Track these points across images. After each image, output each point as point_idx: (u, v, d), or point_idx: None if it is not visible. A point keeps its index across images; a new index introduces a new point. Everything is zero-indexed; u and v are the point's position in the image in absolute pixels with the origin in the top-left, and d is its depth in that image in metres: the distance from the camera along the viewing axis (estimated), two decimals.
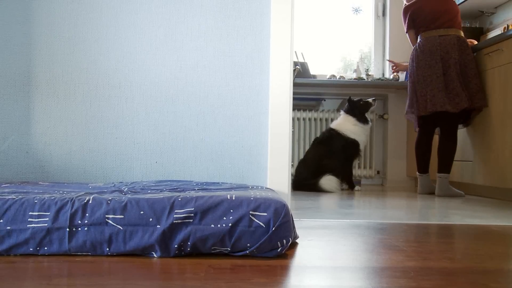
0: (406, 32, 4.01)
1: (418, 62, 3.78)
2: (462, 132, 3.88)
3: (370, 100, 4.37)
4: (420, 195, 3.79)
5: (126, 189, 1.73)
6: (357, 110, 4.32)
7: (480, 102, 3.60)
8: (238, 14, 2.18)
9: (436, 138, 3.91)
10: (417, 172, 3.99)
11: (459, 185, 4.01)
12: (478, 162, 3.66)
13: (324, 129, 4.89)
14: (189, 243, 1.35)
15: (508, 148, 3.30)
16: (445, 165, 3.74)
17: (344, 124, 4.29)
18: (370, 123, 4.37)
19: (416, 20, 3.88)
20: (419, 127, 3.94)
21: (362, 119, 4.31)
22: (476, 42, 3.93)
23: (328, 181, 4.04)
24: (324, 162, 4.16)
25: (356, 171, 4.89)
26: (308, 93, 4.96)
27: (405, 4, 4.04)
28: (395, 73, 4.82)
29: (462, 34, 3.75)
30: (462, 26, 3.86)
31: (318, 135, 4.87)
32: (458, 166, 3.91)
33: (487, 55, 3.58)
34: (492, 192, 3.65)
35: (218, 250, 1.38)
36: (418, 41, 3.86)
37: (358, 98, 4.40)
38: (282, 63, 2.14)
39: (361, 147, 4.30)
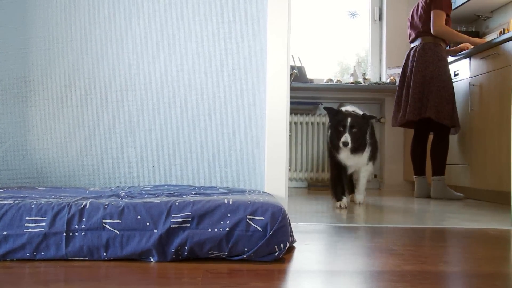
0: None
1: (401, 72, 4.01)
2: (459, 136, 3.89)
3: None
4: (417, 199, 3.79)
5: (123, 193, 1.73)
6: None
7: (432, 114, 3.65)
8: (235, 19, 2.19)
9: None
10: (413, 175, 4.00)
11: (456, 189, 4.02)
12: (475, 166, 3.66)
13: (321, 133, 4.90)
14: (186, 247, 1.35)
15: (504, 152, 3.31)
16: (438, 168, 3.76)
17: None
18: (344, 149, 3.04)
19: (408, 28, 4.06)
20: (414, 130, 3.99)
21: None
22: (471, 46, 3.94)
23: None
24: None
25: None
26: (305, 97, 4.96)
27: None
28: (392, 78, 4.84)
29: (431, 39, 3.78)
30: (458, 30, 3.90)
31: (315, 139, 4.88)
32: (455, 170, 3.92)
33: (483, 59, 3.60)
34: (489, 196, 3.66)
35: (215, 255, 1.38)
36: None
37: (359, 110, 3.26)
38: (279, 67, 2.15)
39: (348, 171, 3.24)
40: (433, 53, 3.74)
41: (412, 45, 3.94)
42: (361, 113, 3.15)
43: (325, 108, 3.13)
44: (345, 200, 3.06)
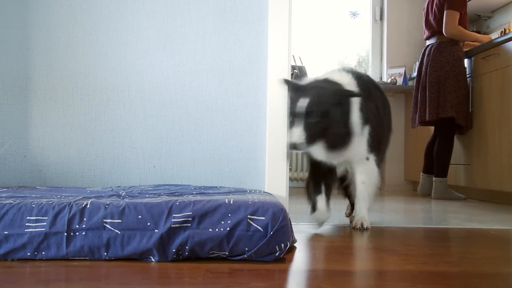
0: None
1: (416, 71, 3.97)
2: (459, 136, 3.88)
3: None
4: (418, 199, 3.79)
5: (124, 193, 1.73)
6: None
7: (444, 114, 3.64)
8: (236, 19, 2.18)
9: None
10: (421, 172, 3.99)
11: (457, 189, 4.02)
12: (476, 166, 3.66)
13: None
14: (187, 247, 1.35)
15: (505, 151, 3.30)
16: (440, 170, 3.75)
17: None
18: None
19: (423, 24, 4.00)
20: (434, 128, 3.98)
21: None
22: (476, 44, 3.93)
23: None
24: None
25: None
26: None
27: None
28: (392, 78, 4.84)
29: (447, 38, 3.74)
30: None
31: None
32: (456, 170, 3.92)
33: (484, 59, 3.59)
34: (490, 196, 3.66)
35: (216, 254, 1.38)
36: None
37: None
38: (279, 67, 2.14)
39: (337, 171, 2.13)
40: (449, 53, 3.69)
41: (428, 42, 3.89)
42: (352, 84, 1.96)
43: (284, 81, 1.99)
44: (321, 209, 1.99)
